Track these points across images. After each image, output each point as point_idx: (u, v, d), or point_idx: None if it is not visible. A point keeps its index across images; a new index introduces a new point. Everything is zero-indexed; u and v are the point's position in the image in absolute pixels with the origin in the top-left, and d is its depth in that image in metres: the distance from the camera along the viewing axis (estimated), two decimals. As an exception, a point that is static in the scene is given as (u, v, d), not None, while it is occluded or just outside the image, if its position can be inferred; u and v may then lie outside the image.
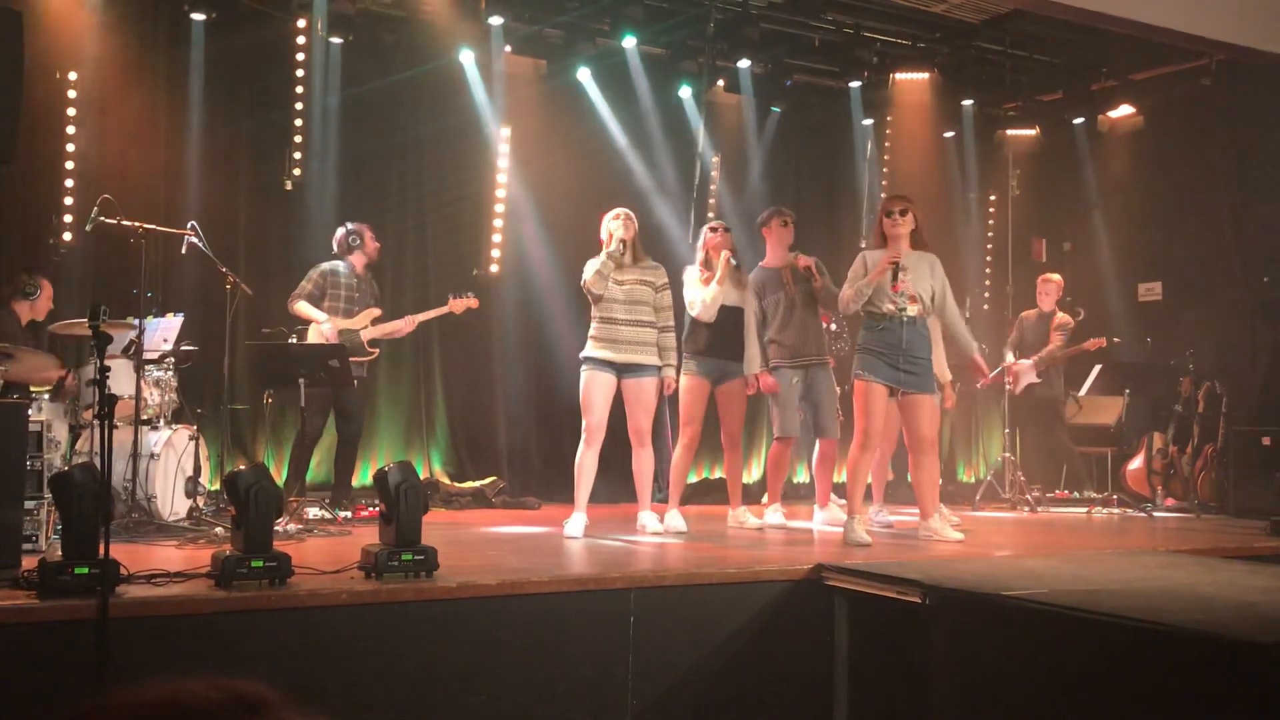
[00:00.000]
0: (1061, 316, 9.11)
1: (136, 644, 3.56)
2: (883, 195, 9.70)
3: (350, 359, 6.63)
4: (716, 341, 6.62)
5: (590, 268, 6.25)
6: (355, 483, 8.11)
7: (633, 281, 6.25)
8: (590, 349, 6.24)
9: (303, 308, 7.08)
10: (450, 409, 8.80)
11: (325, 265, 7.22)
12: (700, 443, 6.83)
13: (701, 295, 6.59)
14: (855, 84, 9.65)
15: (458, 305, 7.45)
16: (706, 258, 6.72)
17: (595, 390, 6.17)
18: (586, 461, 6.21)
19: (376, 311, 7.22)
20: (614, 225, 6.29)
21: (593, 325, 6.28)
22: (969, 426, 10.76)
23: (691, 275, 6.73)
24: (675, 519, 6.40)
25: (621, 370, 6.22)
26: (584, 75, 9.07)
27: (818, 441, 7.14)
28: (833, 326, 7.70)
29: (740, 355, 6.71)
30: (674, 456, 6.69)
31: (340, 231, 7.32)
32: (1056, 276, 9.34)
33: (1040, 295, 9.25)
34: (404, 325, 7.34)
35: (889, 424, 6.53)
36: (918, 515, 6.39)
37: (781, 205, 7.33)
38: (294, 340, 6.93)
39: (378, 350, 7.28)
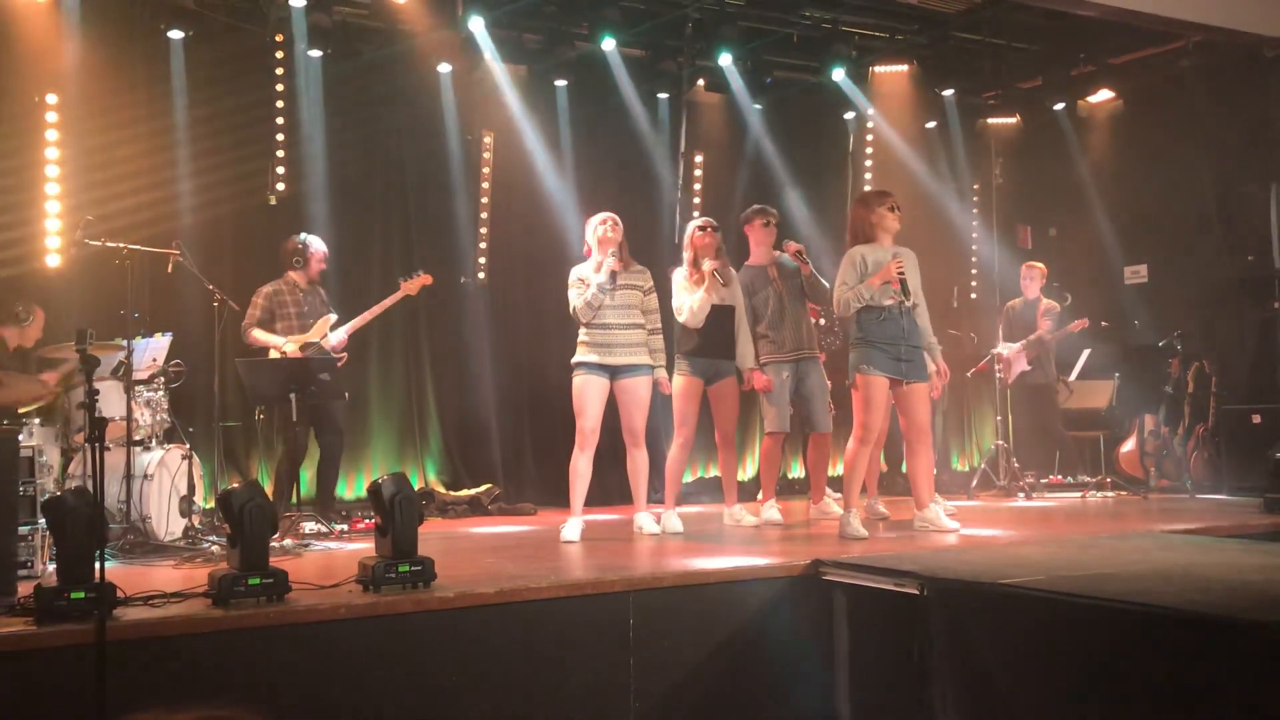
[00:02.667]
0: (1047, 302, 9.16)
1: (136, 667, 3.55)
2: (866, 188, 9.72)
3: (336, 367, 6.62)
4: (707, 341, 6.61)
5: (577, 295, 6.19)
6: (350, 495, 8.12)
7: (622, 286, 6.24)
8: (583, 354, 6.22)
9: (259, 335, 7.06)
10: (443, 417, 8.80)
11: (267, 287, 7.17)
12: (694, 442, 6.84)
13: (689, 302, 6.57)
14: (839, 76, 9.65)
15: (411, 286, 7.34)
16: (694, 256, 6.70)
17: (589, 394, 6.16)
18: (581, 466, 6.21)
19: (332, 318, 7.19)
20: (600, 230, 6.25)
21: (584, 330, 6.25)
22: (961, 415, 10.77)
23: (680, 279, 6.71)
24: (672, 520, 6.40)
25: (615, 372, 6.21)
26: (564, 79, 9.07)
27: (810, 436, 7.14)
28: (821, 321, 7.71)
29: (730, 353, 6.71)
30: (669, 457, 6.69)
31: (290, 242, 7.28)
32: (1040, 264, 9.40)
33: (1024, 283, 9.30)
34: (360, 322, 7.26)
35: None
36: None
37: (766, 203, 7.34)
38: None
39: (345, 355, 7.24)
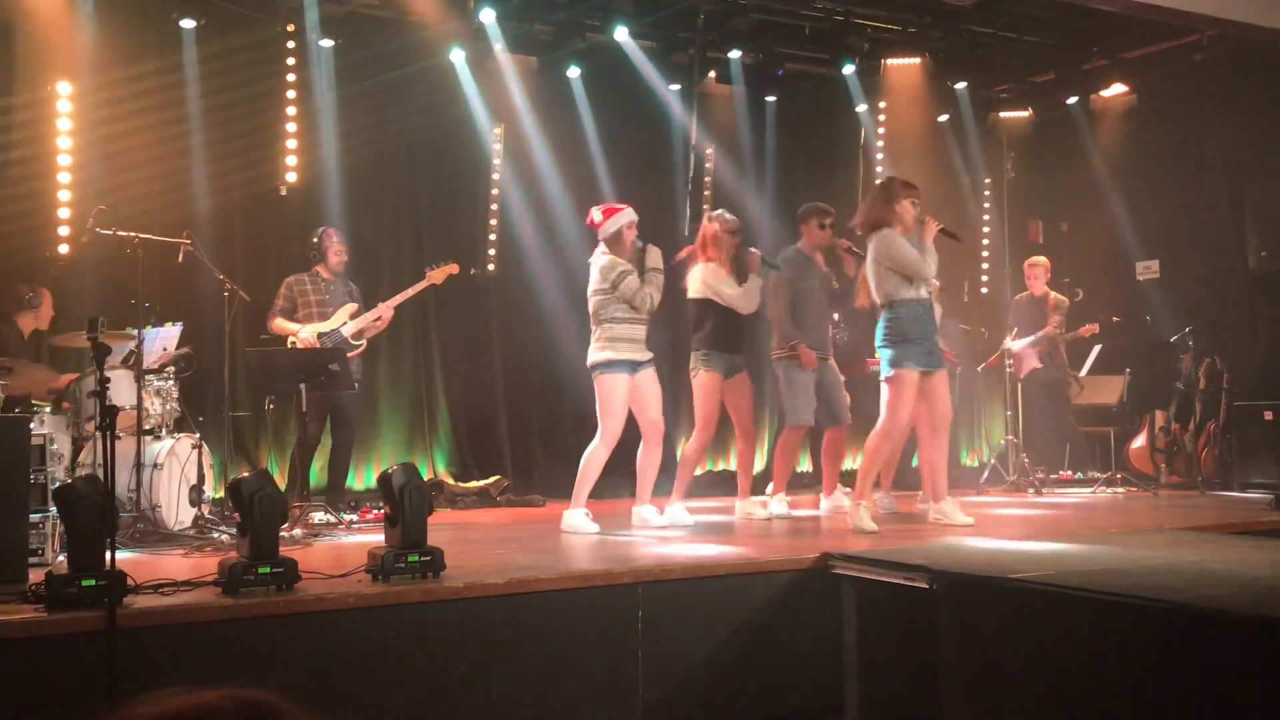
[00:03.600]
0: (1055, 297, 9.12)
1: (145, 654, 3.55)
2: (888, 178, 9.69)
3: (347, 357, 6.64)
4: (730, 336, 6.63)
5: (649, 290, 6.13)
6: (360, 486, 8.14)
7: None
8: (616, 351, 6.12)
9: (280, 324, 7.11)
10: (452, 409, 8.80)
11: (290, 278, 7.23)
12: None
13: (751, 289, 6.56)
14: (849, 70, 9.63)
15: (437, 275, 7.33)
16: (716, 247, 6.65)
17: (621, 394, 6.12)
18: (599, 463, 6.19)
19: (354, 307, 7.21)
20: (629, 234, 6.24)
21: (614, 327, 6.14)
22: (972, 410, 10.75)
23: (709, 270, 6.62)
24: (679, 512, 6.38)
25: (637, 366, 6.19)
26: (575, 71, 9.06)
27: (826, 430, 7.14)
28: (835, 315, 7.72)
29: (744, 348, 6.75)
30: (687, 451, 6.69)
31: (313, 235, 7.34)
32: (1043, 259, 9.36)
33: (1029, 279, 9.27)
34: (384, 311, 7.24)
35: None
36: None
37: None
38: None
39: (364, 344, 7.25)
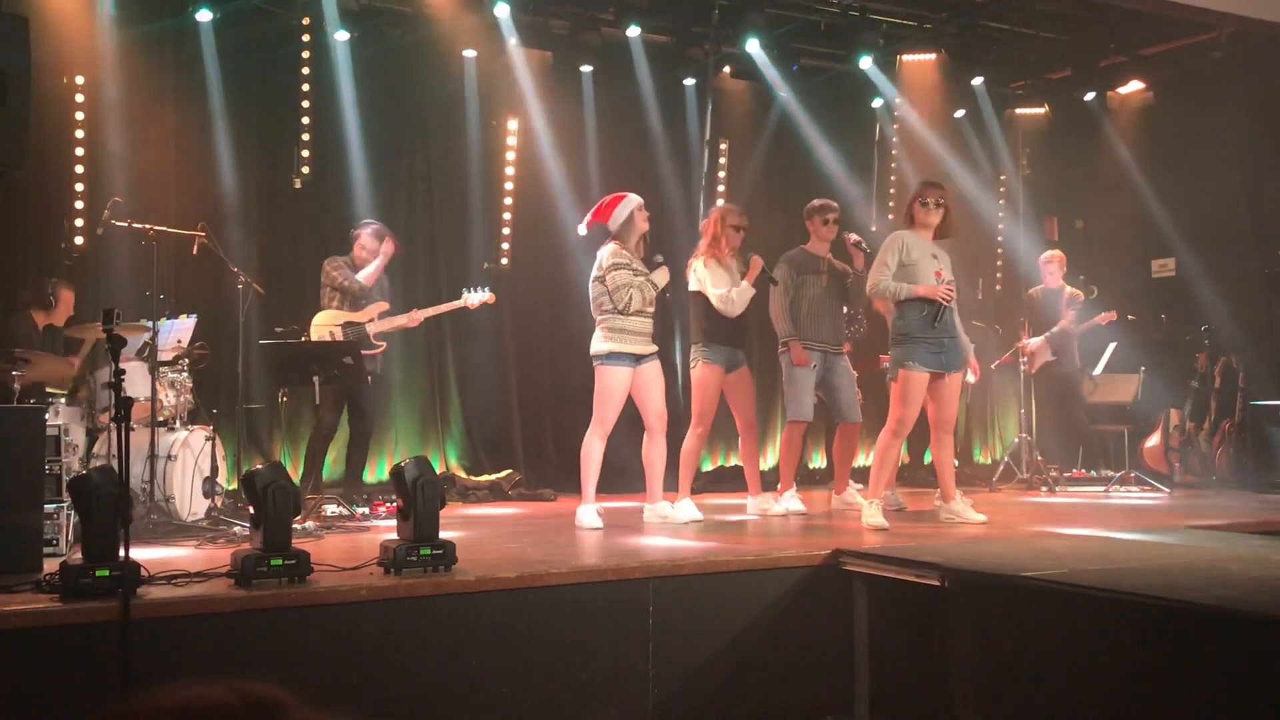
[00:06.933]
0: (1071, 290, 9.07)
1: (159, 645, 3.57)
2: (897, 178, 9.67)
3: (361, 353, 6.63)
4: (732, 329, 6.62)
5: (627, 285, 6.05)
6: (373, 479, 8.16)
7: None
8: (620, 343, 6.09)
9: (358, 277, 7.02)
10: (465, 403, 8.82)
11: (340, 259, 7.15)
12: (712, 430, 6.84)
13: (734, 294, 6.50)
14: (866, 65, 9.60)
15: (473, 300, 7.31)
16: (715, 239, 6.65)
17: (621, 386, 6.10)
18: (597, 453, 6.17)
19: (384, 305, 7.19)
20: (640, 219, 6.20)
21: (620, 319, 6.10)
22: (985, 407, 10.72)
23: (707, 265, 6.65)
24: (688, 508, 6.37)
25: (640, 359, 6.18)
26: (590, 65, 9.06)
27: (839, 426, 7.12)
28: (845, 309, 7.69)
29: (745, 341, 6.75)
30: (685, 446, 6.67)
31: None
32: (1058, 252, 9.30)
33: (1045, 273, 9.22)
34: (408, 321, 7.23)
35: None
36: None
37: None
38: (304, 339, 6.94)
39: (384, 344, 7.24)
